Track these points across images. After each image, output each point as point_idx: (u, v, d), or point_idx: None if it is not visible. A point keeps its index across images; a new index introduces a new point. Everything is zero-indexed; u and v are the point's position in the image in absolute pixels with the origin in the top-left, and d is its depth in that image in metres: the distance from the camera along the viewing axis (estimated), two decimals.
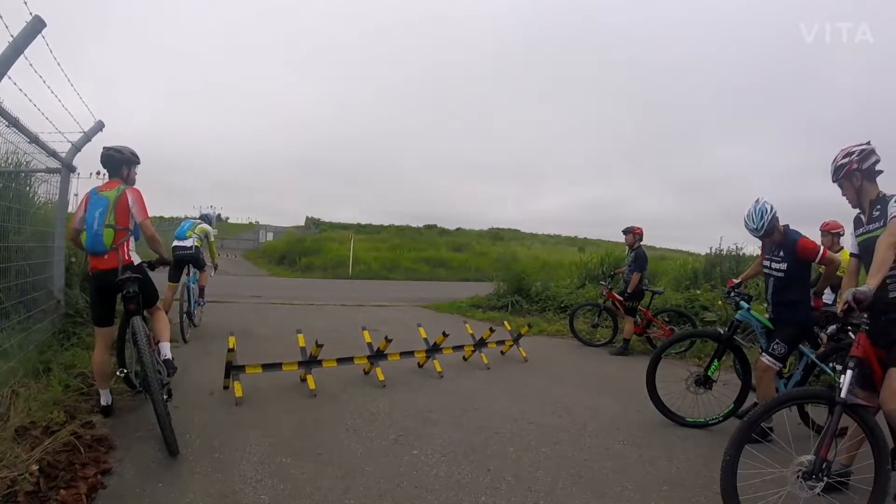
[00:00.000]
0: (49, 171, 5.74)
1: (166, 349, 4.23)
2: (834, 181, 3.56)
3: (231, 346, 4.85)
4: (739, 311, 4.83)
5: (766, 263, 4.71)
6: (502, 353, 7.41)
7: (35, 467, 2.92)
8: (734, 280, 5.25)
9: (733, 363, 5.33)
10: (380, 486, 3.27)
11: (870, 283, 2.97)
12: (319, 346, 5.21)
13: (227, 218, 72.16)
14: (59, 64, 4.72)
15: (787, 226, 4.68)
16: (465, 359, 6.87)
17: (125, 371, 4.36)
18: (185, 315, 7.48)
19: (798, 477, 2.88)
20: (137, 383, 4.39)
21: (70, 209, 6.96)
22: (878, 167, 3.41)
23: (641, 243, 8.72)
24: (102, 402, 4.09)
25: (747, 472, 3.02)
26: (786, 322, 4.56)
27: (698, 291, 10.90)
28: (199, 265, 8.20)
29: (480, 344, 6.92)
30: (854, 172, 3.41)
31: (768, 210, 4.54)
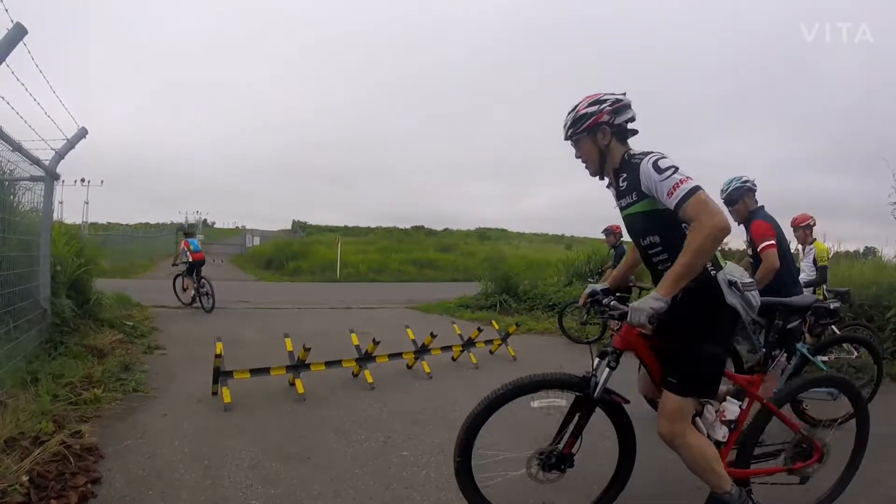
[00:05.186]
0: (33, 179, 5.71)
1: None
2: (569, 137, 2.77)
3: (218, 352, 4.85)
4: None
5: (748, 251, 4.73)
6: (491, 352, 7.44)
7: (25, 478, 2.92)
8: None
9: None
10: (369, 488, 3.29)
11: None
12: (307, 349, 5.21)
13: (214, 223, 72.02)
14: (41, 72, 4.71)
15: (762, 207, 4.65)
16: (453, 359, 6.90)
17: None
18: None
19: (539, 466, 2.73)
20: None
21: (56, 217, 6.94)
22: (631, 126, 2.72)
23: (622, 240, 8.86)
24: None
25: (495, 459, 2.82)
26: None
27: None
28: None
29: (469, 344, 6.94)
30: (602, 126, 2.65)
31: (739, 179, 4.61)
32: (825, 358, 5.61)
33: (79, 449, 3.47)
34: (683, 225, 2.47)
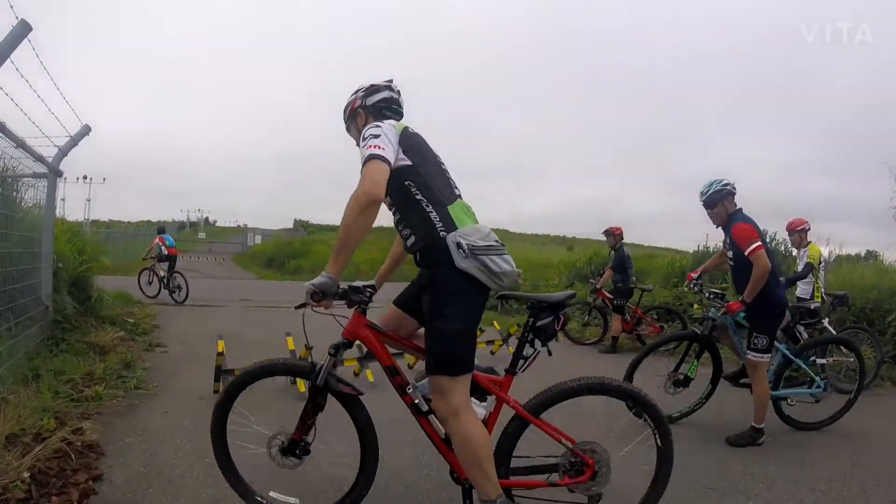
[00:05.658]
0: (36, 175, 5.72)
1: None
2: (346, 130, 2.98)
3: (220, 350, 4.86)
4: (712, 311, 4.77)
5: (728, 253, 4.72)
6: (492, 352, 7.45)
7: (26, 474, 2.92)
8: (693, 274, 5.24)
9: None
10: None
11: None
12: (309, 348, 5.20)
13: (216, 221, 71.98)
14: (45, 69, 4.71)
15: (740, 210, 4.62)
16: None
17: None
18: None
19: (278, 450, 2.72)
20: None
21: (57, 214, 6.94)
22: (393, 106, 2.85)
23: (623, 242, 8.90)
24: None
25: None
26: (756, 312, 4.50)
27: (686, 289, 11.01)
28: None
29: None
30: (357, 110, 2.85)
31: (720, 182, 4.58)
32: (824, 360, 5.64)
33: (80, 446, 3.47)
34: (414, 192, 2.49)
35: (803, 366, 4.87)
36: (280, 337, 5.69)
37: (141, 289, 12.37)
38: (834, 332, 6.62)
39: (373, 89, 2.81)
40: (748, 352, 4.48)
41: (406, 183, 2.46)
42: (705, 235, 13.85)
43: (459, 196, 2.62)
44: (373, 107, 2.79)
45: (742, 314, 4.58)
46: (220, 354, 4.85)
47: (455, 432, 2.47)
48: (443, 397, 2.47)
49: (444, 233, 2.42)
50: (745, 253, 4.35)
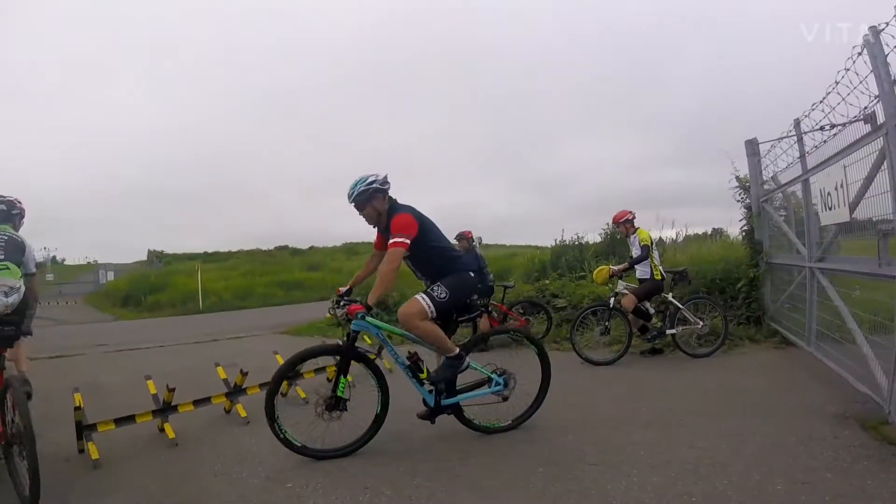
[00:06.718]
0: None
1: None
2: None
3: (78, 404, 4.53)
4: (353, 322, 4.42)
5: None
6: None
7: None
8: (342, 288, 5.06)
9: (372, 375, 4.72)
10: None
11: None
12: (171, 390, 4.98)
13: (64, 259, 65.93)
14: None
15: (395, 201, 4.55)
16: (328, 380, 6.84)
17: None
18: None
19: None
20: None
21: None
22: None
23: (475, 244, 9.29)
24: None
25: None
26: (445, 270, 4.52)
27: (547, 281, 11.63)
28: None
29: None
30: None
31: (364, 181, 4.42)
32: (674, 330, 6.19)
33: None
34: None
35: (474, 365, 4.75)
36: (140, 381, 5.39)
37: None
38: (680, 306, 7.25)
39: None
40: (420, 293, 4.44)
41: None
42: (561, 230, 14.75)
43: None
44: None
45: (361, 315, 4.39)
46: (77, 409, 4.51)
47: None
48: None
49: None
50: (389, 242, 4.28)
